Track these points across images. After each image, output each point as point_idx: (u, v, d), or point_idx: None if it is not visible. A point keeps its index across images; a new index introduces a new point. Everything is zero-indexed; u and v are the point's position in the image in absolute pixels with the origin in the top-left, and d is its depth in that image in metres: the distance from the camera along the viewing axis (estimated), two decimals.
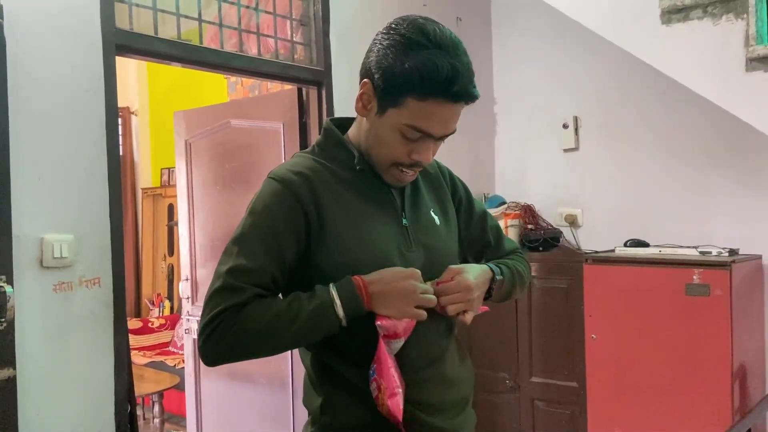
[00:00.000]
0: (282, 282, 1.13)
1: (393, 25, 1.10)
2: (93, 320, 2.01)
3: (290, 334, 1.07)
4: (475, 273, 1.19)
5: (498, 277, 1.25)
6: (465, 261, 1.35)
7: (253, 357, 1.11)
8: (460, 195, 1.35)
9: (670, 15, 2.33)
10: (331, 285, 1.08)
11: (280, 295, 1.15)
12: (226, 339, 1.06)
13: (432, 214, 1.25)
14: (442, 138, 1.14)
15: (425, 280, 1.14)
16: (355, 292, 1.07)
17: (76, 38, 2.00)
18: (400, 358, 1.11)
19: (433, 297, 1.12)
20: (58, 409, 1.94)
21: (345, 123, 1.25)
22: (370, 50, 1.13)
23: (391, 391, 1.09)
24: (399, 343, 1.11)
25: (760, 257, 2.73)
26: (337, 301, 1.06)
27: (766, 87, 2.11)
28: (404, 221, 1.19)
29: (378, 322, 1.09)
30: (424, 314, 1.10)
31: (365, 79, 1.12)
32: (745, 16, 2.15)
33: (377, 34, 1.13)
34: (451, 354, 1.22)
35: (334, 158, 1.19)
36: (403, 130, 1.10)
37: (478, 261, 1.34)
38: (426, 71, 1.04)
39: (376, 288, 1.08)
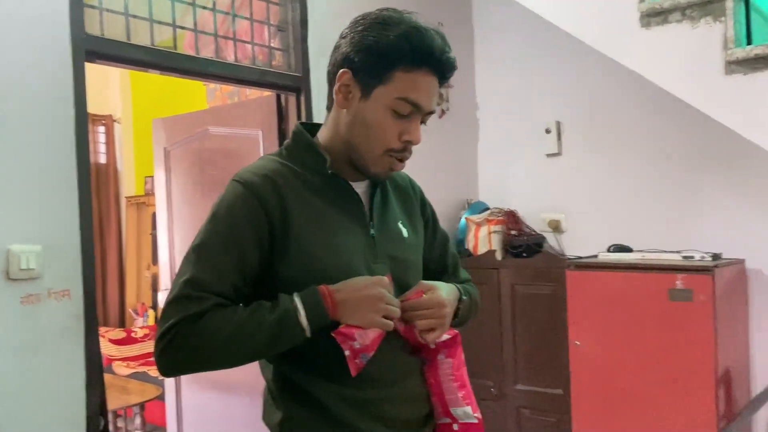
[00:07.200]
0: (244, 291, 1.07)
1: (359, 18, 1.10)
2: (63, 333, 1.96)
3: (251, 345, 1.02)
4: (446, 290, 1.16)
5: (464, 297, 1.23)
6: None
7: (211, 369, 1.06)
8: (427, 215, 1.33)
9: (650, 18, 2.31)
10: (295, 294, 1.04)
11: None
12: (183, 352, 1.01)
13: (400, 225, 1.22)
14: (427, 116, 1.13)
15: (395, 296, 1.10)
16: (319, 299, 1.03)
17: (45, 44, 1.95)
18: (367, 375, 1.07)
19: (398, 309, 1.08)
20: (27, 425, 1.88)
21: (316, 129, 1.21)
22: (338, 46, 1.12)
23: None
24: (367, 357, 1.06)
25: (743, 261, 2.71)
26: (301, 310, 1.02)
27: (745, 90, 2.09)
28: (371, 232, 1.16)
29: (344, 331, 1.03)
30: (390, 324, 1.06)
31: (342, 69, 1.10)
32: (723, 18, 2.14)
33: (342, 32, 1.13)
34: (417, 370, 1.19)
35: (302, 162, 1.15)
36: (394, 106, 1.08)
37: None
38: (415, 39, 1.05)
39: (342, 295, 1.04)
